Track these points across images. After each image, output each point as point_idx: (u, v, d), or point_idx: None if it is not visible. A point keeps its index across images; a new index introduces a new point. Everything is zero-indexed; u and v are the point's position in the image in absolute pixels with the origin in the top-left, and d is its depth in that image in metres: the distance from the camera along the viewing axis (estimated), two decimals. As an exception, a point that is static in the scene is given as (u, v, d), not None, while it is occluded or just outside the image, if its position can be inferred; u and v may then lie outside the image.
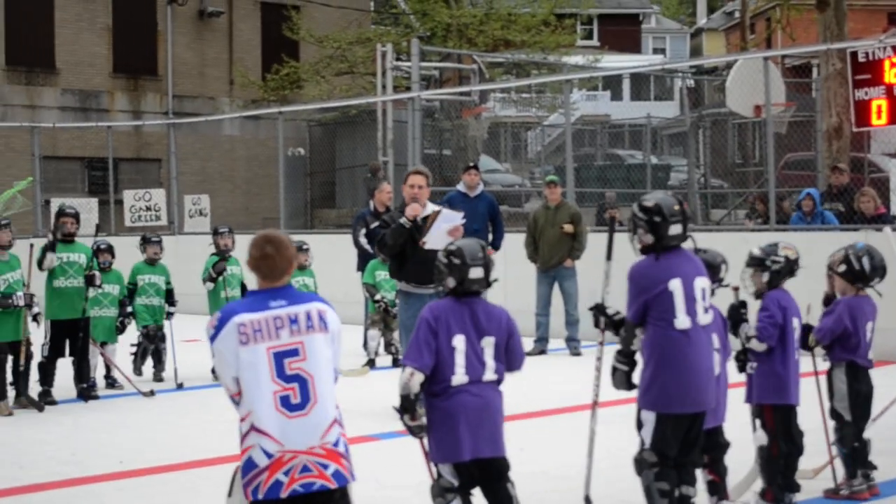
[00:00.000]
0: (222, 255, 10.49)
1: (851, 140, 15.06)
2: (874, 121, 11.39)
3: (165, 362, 10.43)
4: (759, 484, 5.64)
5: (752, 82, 13.91)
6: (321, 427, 3.99)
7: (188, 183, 20.13)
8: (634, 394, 5.04)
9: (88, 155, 23.14)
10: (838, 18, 15.13)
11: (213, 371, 10.05)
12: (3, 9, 23.05)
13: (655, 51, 49.58)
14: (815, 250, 7.21)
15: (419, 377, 4.60)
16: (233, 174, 25.03)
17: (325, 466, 3.97)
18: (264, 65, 25.36)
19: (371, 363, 10.74)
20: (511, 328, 4.82)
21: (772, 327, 5.50)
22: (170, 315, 10.48)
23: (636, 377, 5.04)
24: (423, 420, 4.67)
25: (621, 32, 44.53)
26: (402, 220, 7.90)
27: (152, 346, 10.46)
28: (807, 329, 5.76)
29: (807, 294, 5.99)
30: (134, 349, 10.58)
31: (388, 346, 10.94)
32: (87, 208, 17.50)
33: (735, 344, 5.61)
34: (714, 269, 5.42)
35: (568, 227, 11.80)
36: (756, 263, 5.65)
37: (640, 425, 5.00)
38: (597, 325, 5.23)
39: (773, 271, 5.61)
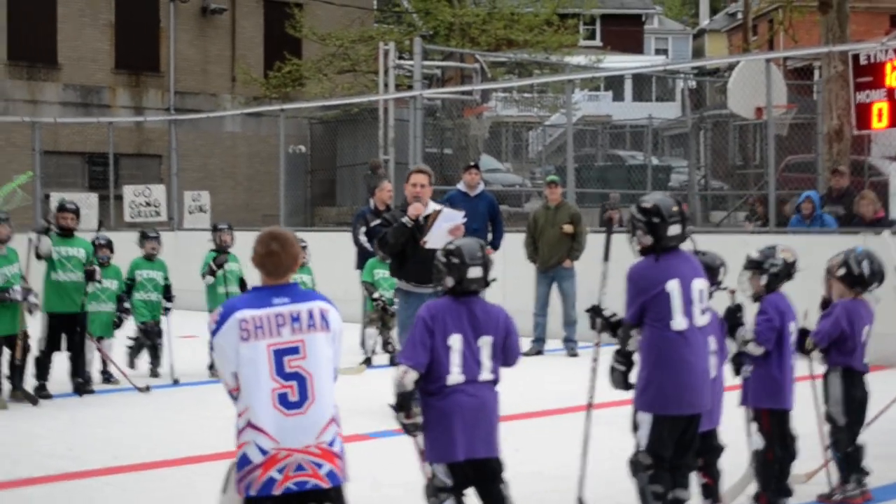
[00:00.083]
0: (221, 252, 10.50)
1: (852, 143, 15.06)
2: (875, 124, 11.39)
3: (162, 358, 10.43)
4: (752, 488, 5.63)
5: (754, 84, 13.90)
6: (318, 426, 3.99)
7: (189, 179, 20.12)
8: (632, 395, 5.04)
9: (89, 150, 23.13)
10: (840, 21, 15.12)
11: (210, 367, 10.17)
12: (6, 4, 23.05)
13: (658, 51, 49.56)
14: (814, 253, 7.20)
15: (413, 375, 4.60)
16: (234, 171, 25.03)
17: (320, 466, 3.97)
18: (266, 62, 25.36)
19: (368, 361, 10.74)
20: (509, 327, 4.82)
21: (769, 331, 5.50)
22: (166, 311, 10.48)
23: (633, 378, 5.04)
24: (419, 418, 4.66)
25: (624, 33, 44.49)
26: (404, 220, 7.90)
27: (149, 343, 10.47)
28: (803, 333, 5.75)
29: (805, 297, 5.99)
30: (130, 343, 10.59)
31: (386, 344, 10.94)
32: (87, 203, 17.52)
33: (732, 347, 5.60)
34: (713, 271, 5.41)
35: (567, 228, 11.80)
36: (754, 266, 5.65)
37: (635, 427, 5.00)
38: (593, 326, 5.23)
39: (772, 274, 5.60)
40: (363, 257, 11.20)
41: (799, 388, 5.66)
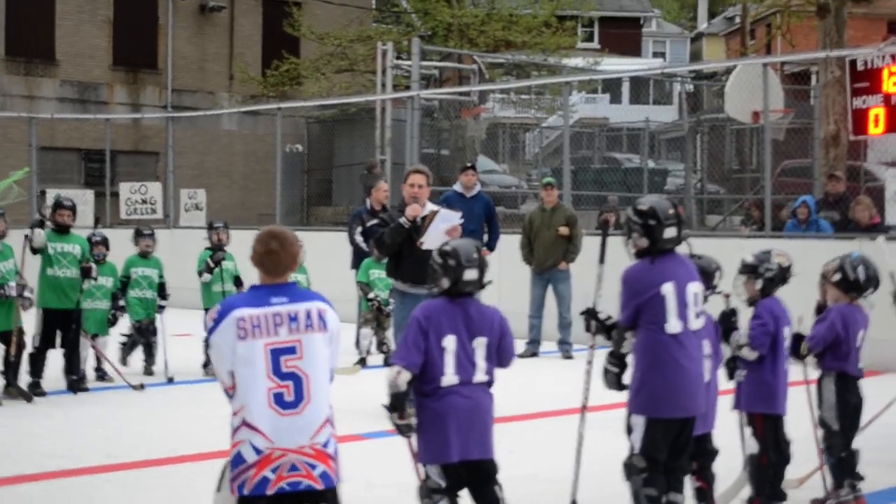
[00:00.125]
0: (216, 250, 10.49)
1: (848, 148, 15.08)
2: (871, 129, 11.39)
3: (156, 356, 10.42)
4: (746, 491, 5.64)
5: (751, 88, 13.92)
6: (313, 427, 3.99)
7: (185, 177, 20.11)
8: (626, 398, 5.04)
9: (86, 147, 23.12)
10: (838, 26, 15.16)
11: (204, 366, 10.16)
12: (4, 0, 23.04)
13: (655, 55, 49.60)
14: (809, 258, 7.21)
15: (406, 375, 4.60)
16: (230, 169, 25.02)
17: (313, 467, 3.97)
18: (264, 61, 25.36)
19: (363, 362, 10.72)
20: (504, 329, 4.82)
21: (764, 336, 5.50)
22: (161, 308, 10.46)
23: (627, 379, 5.04)
24: (412, 419, 4.67)
25: (622, 35, 44.54)
26: (402, 220, 7.90)
27: (142, 341, 10.45)
28: (798, 338, 5.76)
29: (800, 302, 5.99)
30: (123, 340, 10.57)
31: (381, 344, 10.92)
32: (83, 200, 17.48)
33: (726, 351, 5.61)
34: (708, 275, 5.41)
35: (563, 230, 11.80)
36: (749, 271, 5.65)
37: (629, 430, 5.00)
38: (588, 329, 5.23)
39: (766, 279, 5.61)
40: (359, 257, 11.19)
41: (793, 392, 5.66)
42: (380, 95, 17.73)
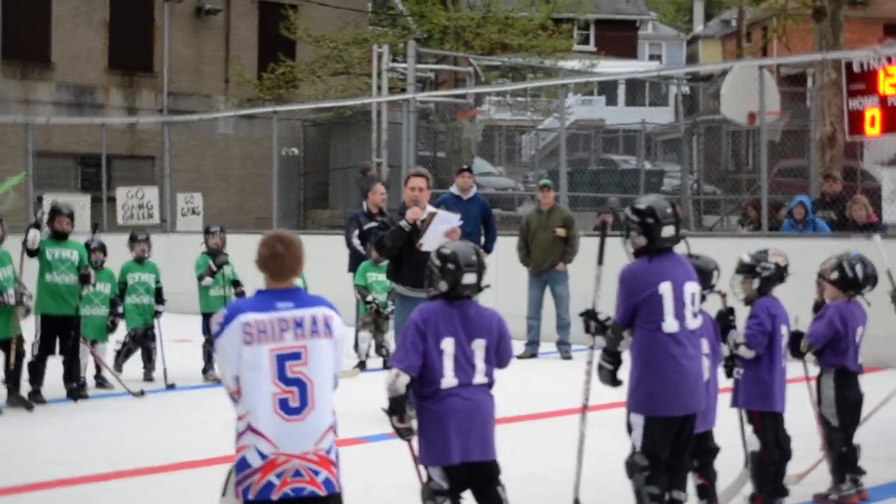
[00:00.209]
0: (214, 255, 10.46)
1: (844, 149, 15.11)
2: (867, 130, 11.43)
3: (155, 362, 10.38)
4: (748, 489, 5.65)
5: (747, 90, 13.95)
6: (317, 433, 4.00)
7: (182, 181, 20.08)
8: (625, 397, 5.06)
9: (82, 151, 23.06)
10: (834, 29, 15.19)
11: (204, 372, 10.16)
12: (1, 2, 23.00)
13: (652, 57, 49.67)
14: (806, 257, 7.22)
15: (405, 378, 4.61)
16: (227, 173, 24.99)
17: (317, 473, 3.98)
18: (260, 63, 25.33)
19: (362, 365, 10.73)
20: (502, 330, 4.83)
21: (761, 335, 5.52)
22: (158, 314, 10.41)
23: (623, 375, 5.06)
24: (412, 422, 4.67)
25: (618, 38, 44.58)
26: (402, 223, 7.91)
27: (137, 348, 10.41)
28: (796, 336, 5.77)
29: (797, 301, 6.01)
30: (118, 347, 10.51)
31: (379, 348, 10.93)
32: (80, 205, 17.43)
33: (725, 350, 5.62)
34: (706, 275, 5.43)
35: (560, 231, 11.82)
36: (746, 270, 5.67)
37: (630, 429, 5.02)
38: (587, 330, 5.24)
39: (763, 278, 5.63)
40: (356, 261, 11.19)
41: (793, 388, 5.68)
42: (376, 98, 17.74)
